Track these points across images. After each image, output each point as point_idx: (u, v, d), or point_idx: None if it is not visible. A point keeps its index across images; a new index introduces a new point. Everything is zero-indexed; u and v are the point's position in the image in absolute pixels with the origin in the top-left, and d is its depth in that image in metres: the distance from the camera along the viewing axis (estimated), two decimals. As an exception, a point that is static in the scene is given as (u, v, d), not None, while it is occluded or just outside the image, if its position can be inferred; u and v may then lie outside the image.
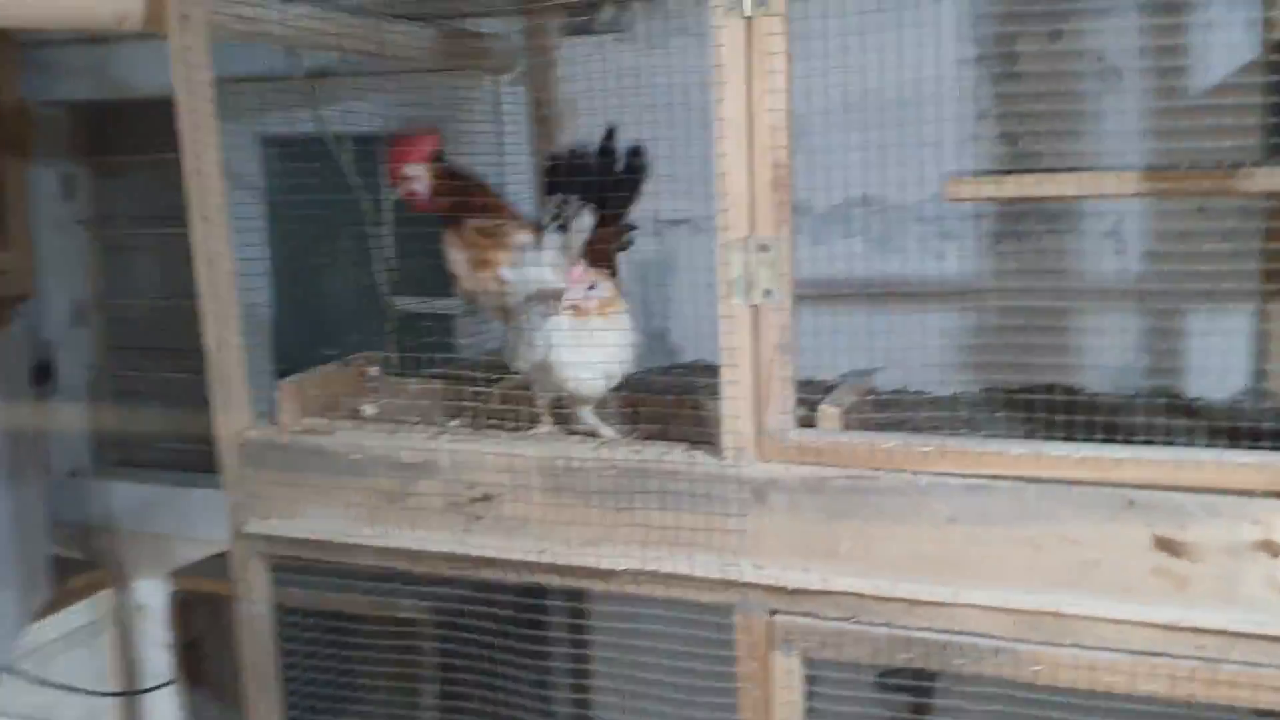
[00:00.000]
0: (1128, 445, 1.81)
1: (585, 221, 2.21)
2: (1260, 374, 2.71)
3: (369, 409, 2.45)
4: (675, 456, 2.02)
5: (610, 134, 2.42)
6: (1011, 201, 2.76)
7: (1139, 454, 1.78)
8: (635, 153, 2.42)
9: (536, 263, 2.24)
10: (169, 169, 4.16)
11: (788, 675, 2.00)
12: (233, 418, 2.29)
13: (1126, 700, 1.84)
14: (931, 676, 2.68)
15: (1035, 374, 2.55)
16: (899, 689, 2.66)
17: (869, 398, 2.13)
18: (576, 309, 2.15)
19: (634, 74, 2.79)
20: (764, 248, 1.88)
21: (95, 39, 3.81)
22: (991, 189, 2.25)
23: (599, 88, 2.83)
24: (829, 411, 1.98)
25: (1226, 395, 2.64)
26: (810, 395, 2.04)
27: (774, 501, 1.95)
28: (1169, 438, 1.97)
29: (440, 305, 3.33)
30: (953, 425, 2.17)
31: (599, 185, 2.35)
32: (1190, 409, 2.54)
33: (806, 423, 1.98)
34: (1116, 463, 1.78)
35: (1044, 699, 1.90)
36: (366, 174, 3.11)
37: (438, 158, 2.61)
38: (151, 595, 3.98)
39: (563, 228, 2.22)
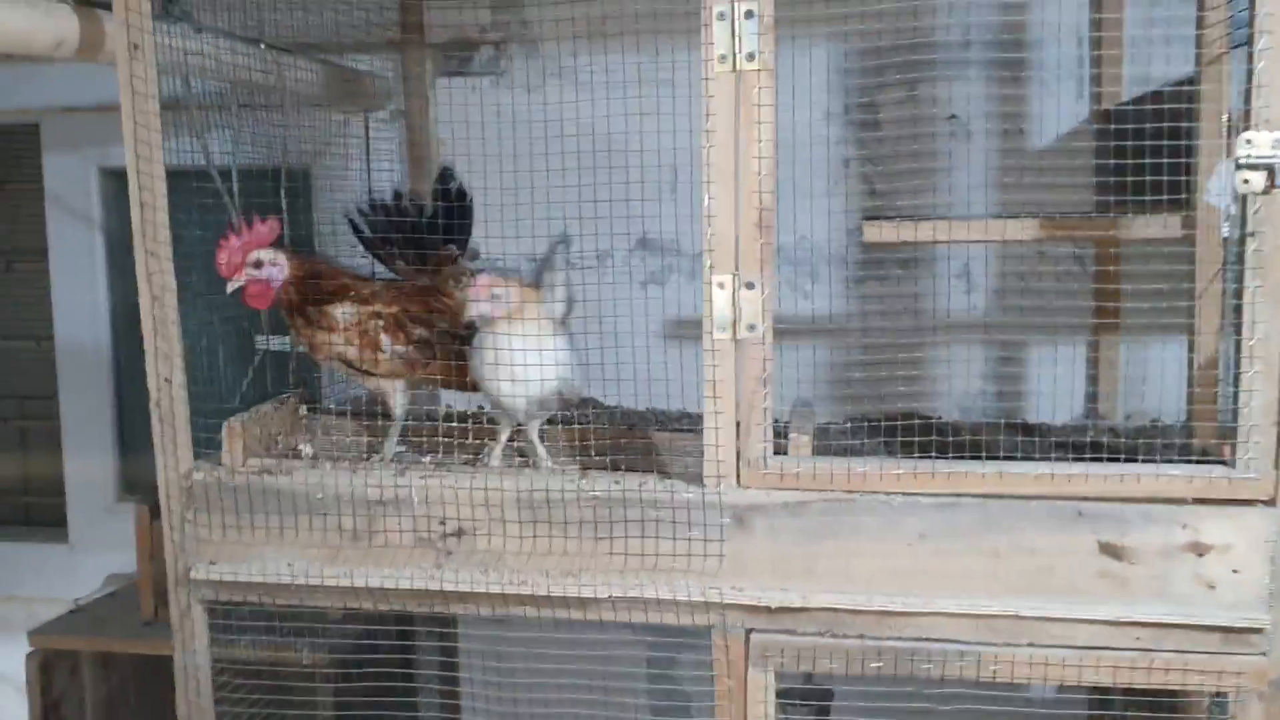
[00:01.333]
0: (1078, 462, 2.03)
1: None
2: (1092, 399, 3.05)
3: (306, 448, 2.40)
4: (656, 485, 2.10)
5: (444, 174, 2.52)
6: (887, 246, 2.99)
7: (1088, 470, 2.00)
8: (461, 194, 2.51)
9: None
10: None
11: (762, 691, 2.11)
12: (175, 459, 2.19)
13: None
14: (828, 693, 2.86)
15: (895, 403, 2.79)
16: (801, 706, 2.82)
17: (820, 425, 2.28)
18: (483, 318, 2.22)
19: (510, 114, 2.87)
20: (749, 285, 2.00)
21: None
22: (909, 233, 2.46)
23: (475, 127, 2.90)
24: (800, 440, 2.12)
25: (1065, 419, 2.96)
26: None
27: (754, 526, 2.06)
28: (1017, 455, 2.21)
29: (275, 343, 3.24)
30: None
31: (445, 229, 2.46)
32: (1034, 431, 2.84)
33: (778, 450, 2.10)
34: (1068, 478, 2.00)
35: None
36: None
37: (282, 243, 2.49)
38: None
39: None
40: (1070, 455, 2.40)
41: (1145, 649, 2.00)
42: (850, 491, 2.05)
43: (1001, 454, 2.11)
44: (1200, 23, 2.32)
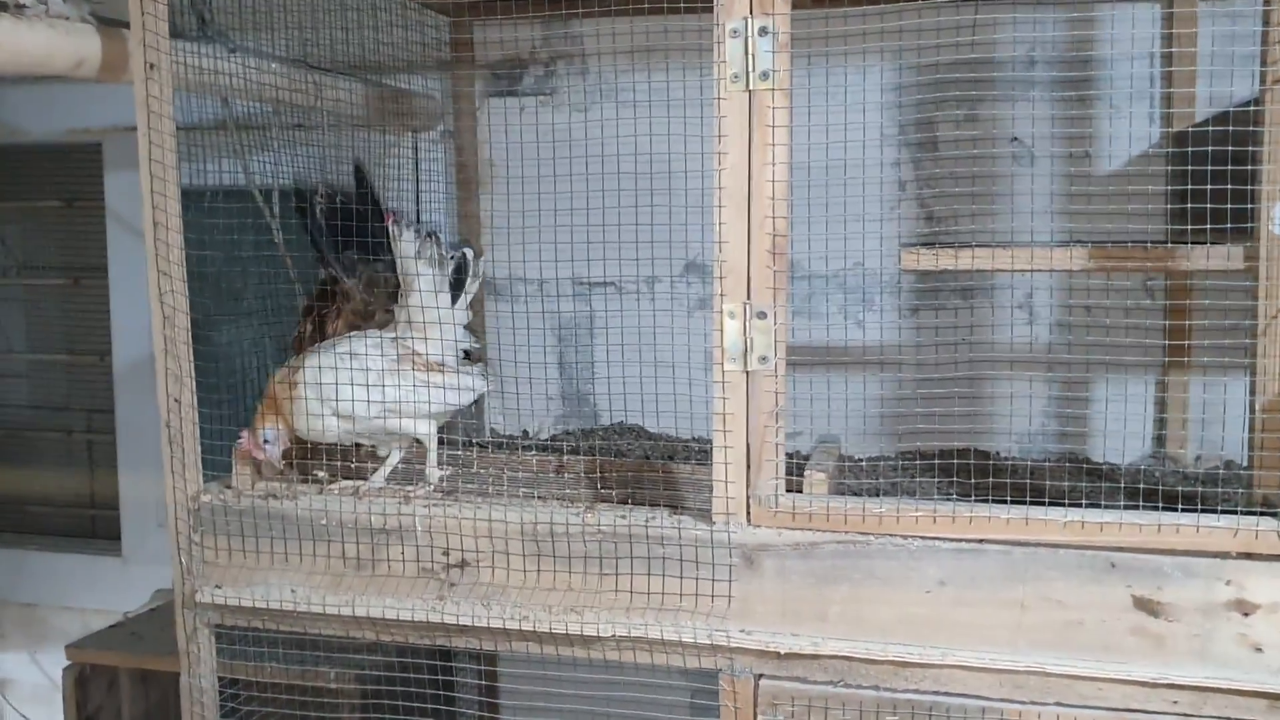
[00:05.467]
0: (1111, 509, 1.89)
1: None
2: (1160, 439, 2.88)
3: (321, 472, 2.37)
4: (663, 521, 2.02)
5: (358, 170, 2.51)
6: (943, 273, 2.86)
7: (1121, 518, 1.86)
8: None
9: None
10: (44, 218, 4.01)
11: (772, 740, 2.00)
12: (184, 480, 2.18)
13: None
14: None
15: (950, 438, 2.66)
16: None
17: (845, 463, 2.17)
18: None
19: (558, 134, 2.82)
20: (761, 315, 1.91)
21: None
22: (949, 260, 2.34)
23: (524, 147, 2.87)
24: (816, 477, 2.02)
25: (1130, 459, 2.80)
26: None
27: (764, 566, 1.97)
28: (1079, 499, 2.07)
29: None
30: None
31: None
32: (1097, 472, 2.68)
33: (792, 487, 2.00)
34: (1100, 526, 1.86)
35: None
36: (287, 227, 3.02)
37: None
38: (19, 669, 3.72)
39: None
40: (1123, 500, 2.27)
41: (1184, 714, 1.85)
42: (865, 533, 1.94)
43: (1048, 494, 1.96)
44: (1265, 39, 2.17)
